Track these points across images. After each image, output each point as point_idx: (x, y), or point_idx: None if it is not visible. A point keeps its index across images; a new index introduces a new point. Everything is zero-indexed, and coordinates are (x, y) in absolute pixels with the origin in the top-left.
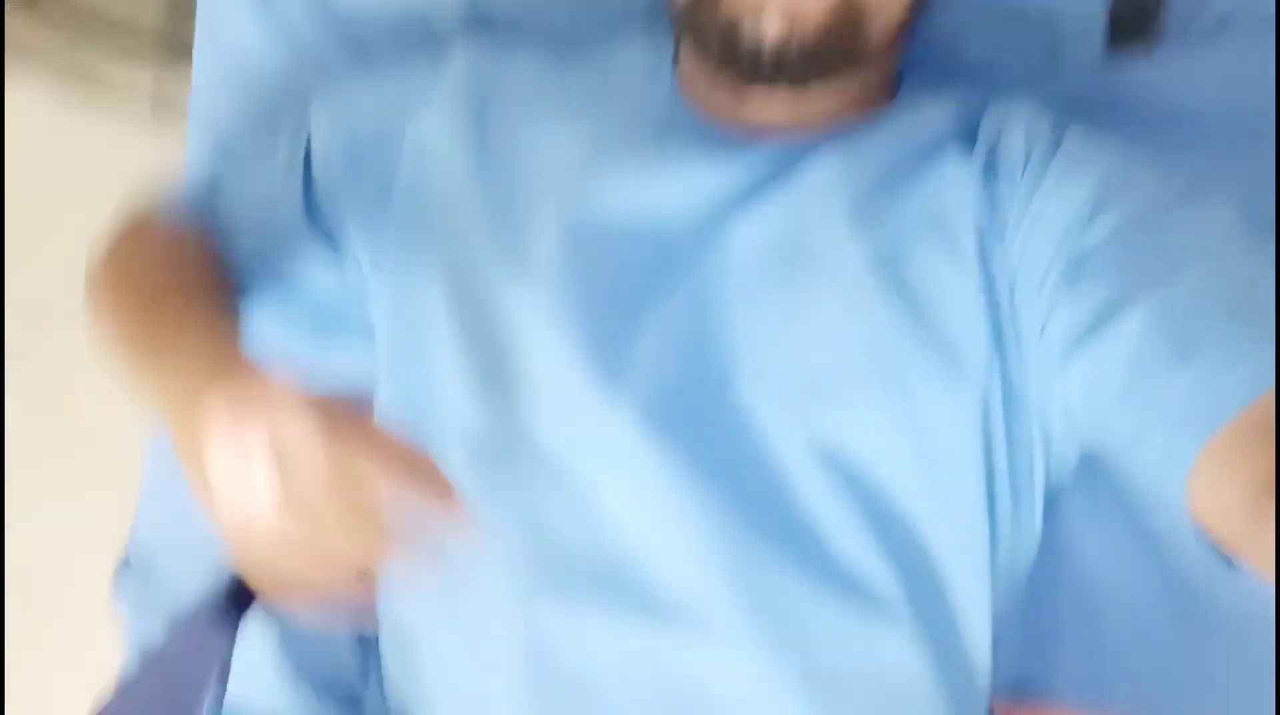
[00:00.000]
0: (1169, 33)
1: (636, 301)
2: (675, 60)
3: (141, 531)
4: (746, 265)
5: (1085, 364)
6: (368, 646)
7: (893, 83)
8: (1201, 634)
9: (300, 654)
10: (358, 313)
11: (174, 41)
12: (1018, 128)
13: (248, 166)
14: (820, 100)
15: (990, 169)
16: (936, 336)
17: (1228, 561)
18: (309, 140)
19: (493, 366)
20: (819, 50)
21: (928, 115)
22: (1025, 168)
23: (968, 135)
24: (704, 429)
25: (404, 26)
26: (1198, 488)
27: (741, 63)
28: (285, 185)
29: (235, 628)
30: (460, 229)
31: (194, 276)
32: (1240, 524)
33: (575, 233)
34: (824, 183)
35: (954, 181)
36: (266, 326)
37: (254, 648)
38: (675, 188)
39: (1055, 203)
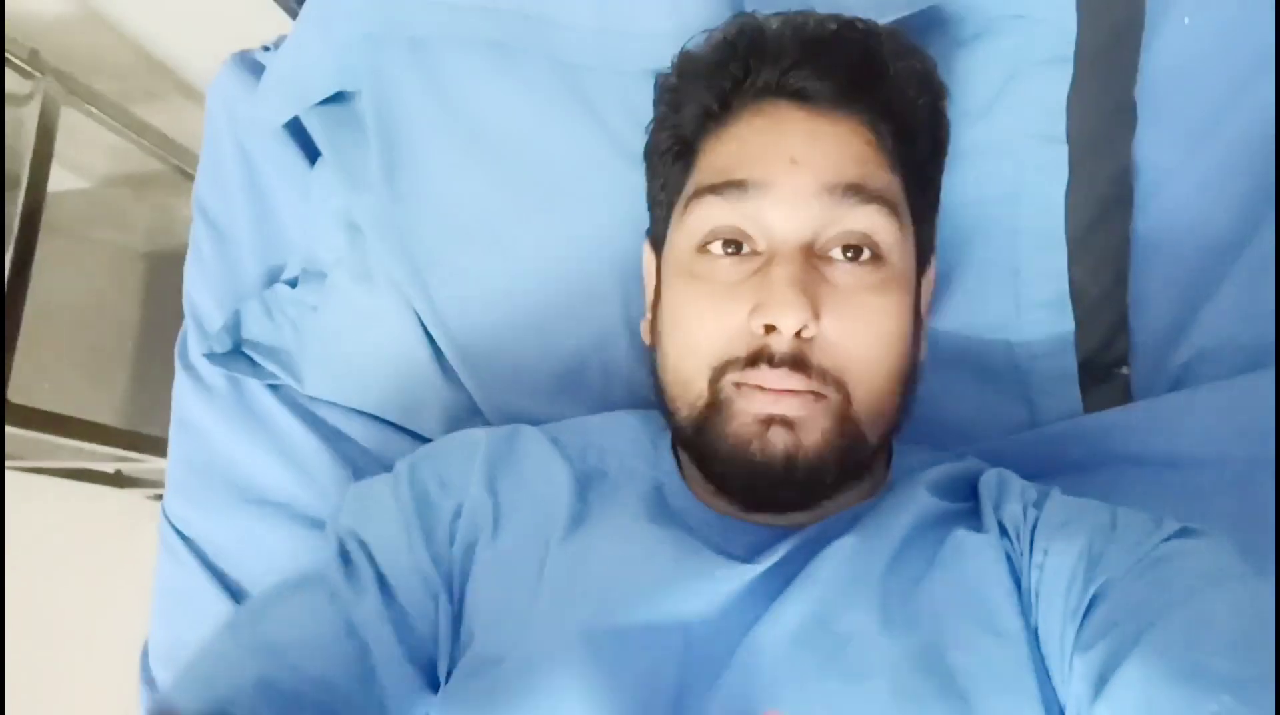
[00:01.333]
0: (1143, 381)
1: (669, 703)
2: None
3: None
4: (780, 660)
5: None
6: None
7: (888, 457)
8: None
9: None
10: None
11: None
12: (1013, 492)
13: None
14: (830, 504)
15: (1004, 535)
16: None
17: None
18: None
19: None
20: (826, 461)
21: (922, 488)
22: (1025, 534)
23: (965, 500)
24: None
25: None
26: None
27: (754, 483)
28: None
29: None
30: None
31: None
32: None
33: (595, 638)
34: (846, 572)
35: (977, 552)
36: None
37: None
38: (697, 588)
39: (1052, 567)
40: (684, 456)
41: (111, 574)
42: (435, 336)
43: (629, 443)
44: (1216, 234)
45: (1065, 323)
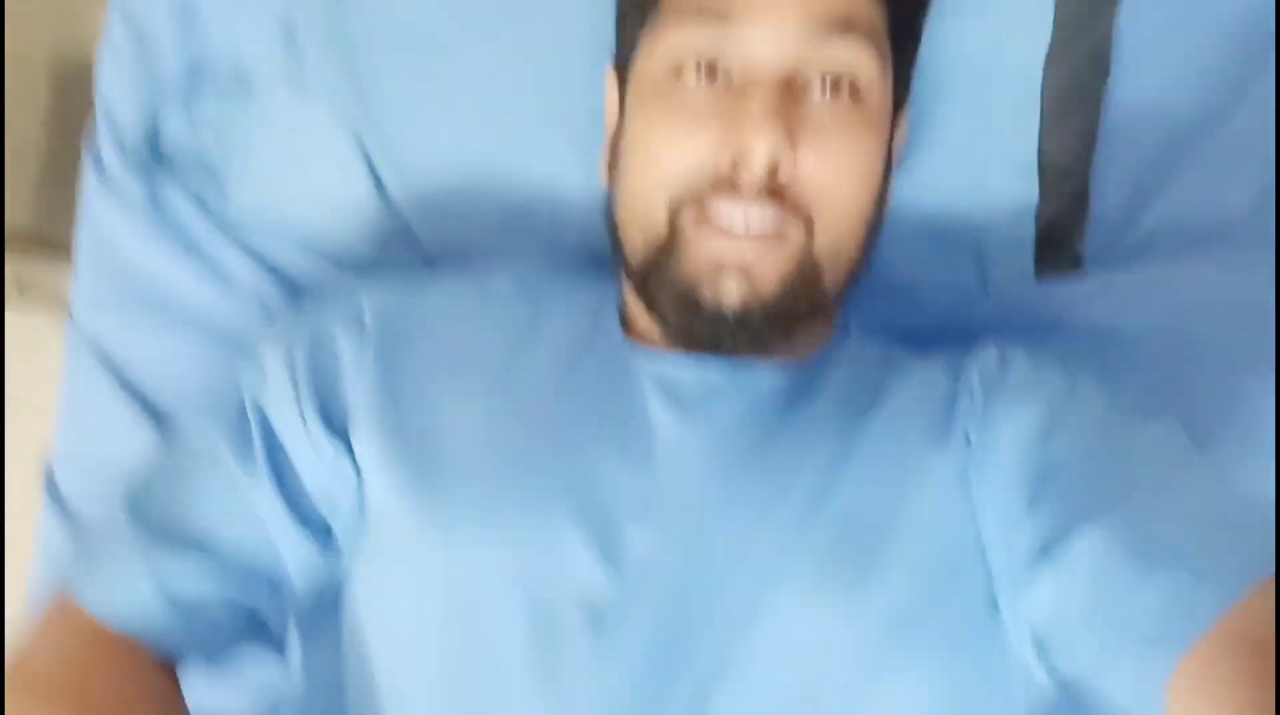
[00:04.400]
0: (1095, 255)
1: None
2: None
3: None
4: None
5: (1046, 587)
6: None
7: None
8: None
9: None
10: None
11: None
12: (974, 364)
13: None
14: (781, 350)
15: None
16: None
17: None
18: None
19: None
20: (780, 309)
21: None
22: (981, 398)
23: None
24: None
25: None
26: (1176, 711)
27: (702, 329)
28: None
29: None
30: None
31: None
32: None
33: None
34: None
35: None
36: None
37: None
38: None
39: (1008, 427)
40: (632, 310)
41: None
42: (373, 157)
43: (570, 296)
44: (1185, 117)
45: (1029, 192)
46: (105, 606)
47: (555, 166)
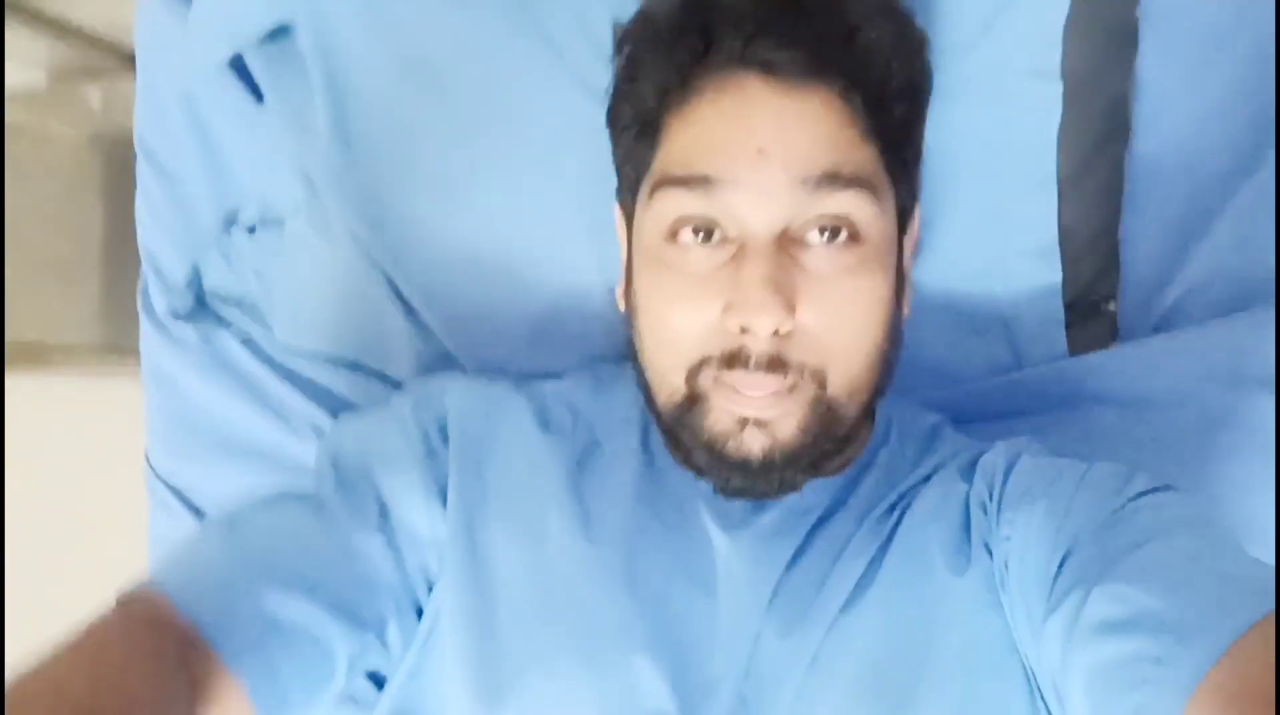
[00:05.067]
0: (1130, 321)
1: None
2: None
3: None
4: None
5: (1077, 673)
6: None
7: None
8: None
9: None
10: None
11: None
12: (986, 470)
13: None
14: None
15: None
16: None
17: None
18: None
19: None
20: (803, 453)
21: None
22: (993, 510)
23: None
24: None
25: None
26: None
27: (732, 477)
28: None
29: None
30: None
31: None
32: None
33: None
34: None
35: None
36: None
37: None
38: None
39: (1018, 539)
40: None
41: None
42: (401, 289)
43: (620, 414)
44: (1215, 164)
45: (1053, 272)
46: (182, 586)
47: (574, 280)
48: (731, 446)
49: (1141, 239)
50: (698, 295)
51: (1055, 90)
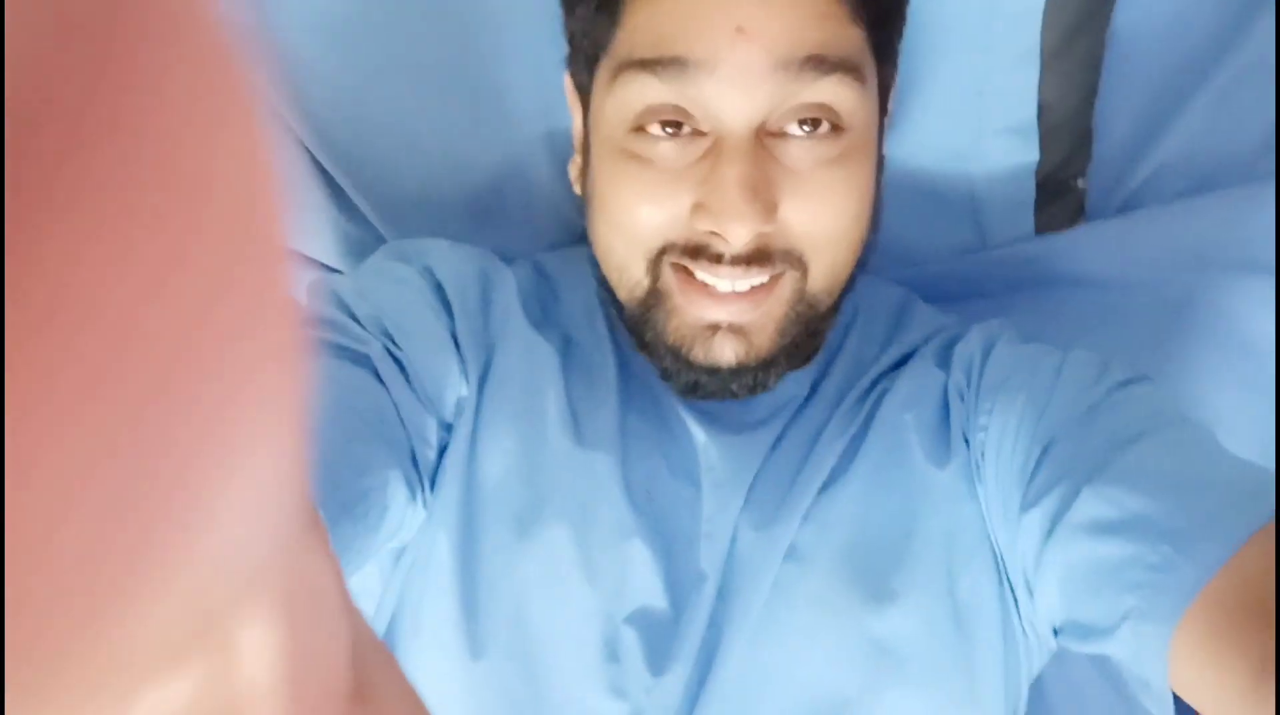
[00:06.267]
0: (1097, 200)
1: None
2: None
3: None
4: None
5: (1053, 571)
6: None
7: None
8: None
9: None
10: None
11: None
12: (962, 358)
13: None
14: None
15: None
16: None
17: None
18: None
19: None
20: (779, 356)
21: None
22: (971, 398)
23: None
24: None
25: None
26: (1180, 671)
27: (700, 382)
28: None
29: None
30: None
31: None
32: (1238, 710)
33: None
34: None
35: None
36: None
37: None
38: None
39: (996, 427)
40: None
41: None
42: (321, 160)
43: (582, 306)
44: (1195, 39)
45: (1028, 152)
46: None
47: (517, 152)
48: (699, 351)
49: (1116, 116)
50: (665, 190)
51: None
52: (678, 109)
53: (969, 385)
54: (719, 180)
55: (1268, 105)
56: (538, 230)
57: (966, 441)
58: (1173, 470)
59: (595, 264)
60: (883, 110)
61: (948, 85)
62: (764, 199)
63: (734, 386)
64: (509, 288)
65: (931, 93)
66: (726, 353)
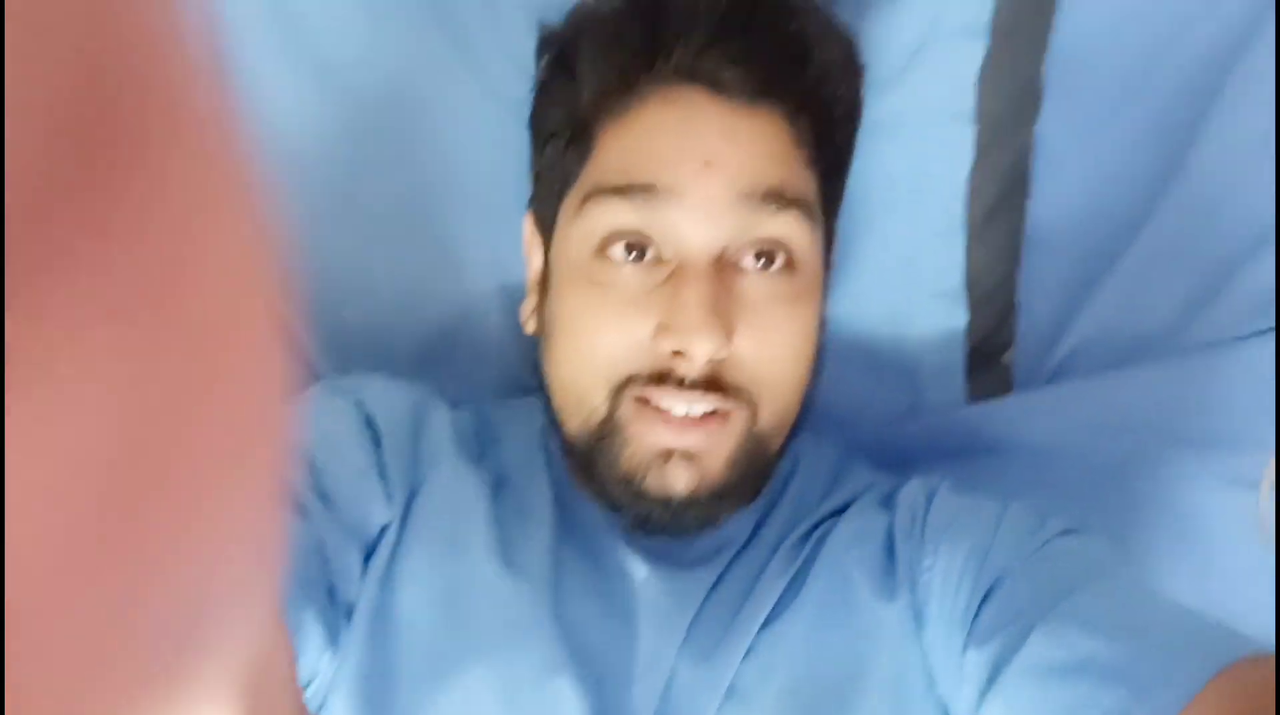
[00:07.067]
0: (1025, 373)
1: None
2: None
3: None
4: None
5: (997, 710)
6: None
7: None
8: None
9: None
10: None
11: None
12: (905, 504)
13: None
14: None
15: (894, 546)
16: None
17: None
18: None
19: None
20: (729, 488)
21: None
22: (916, 539)
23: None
24: None
25: None
26: None
27: (650, 514)
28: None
29: None
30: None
31: None
32: None
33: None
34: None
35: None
36: None
37: None
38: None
39: (941, 568)
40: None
41: None
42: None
43: (523, 447)
44: (1109, 222)
45: (957, 316)
46: None
47: (468, 301)
48: (652, 480)
49: (1038, 291)
50: (628, 314)
51: (968, 133)
52: (641, 234)
53: (914, 525)
54: (681, 301)
55: (1183, 277)
56: (484, 380)
57: (912, 582)
58: (1124, 615)
59: (545, 404)
60: (826, 264)
61: (881, 250)
62: (724, 319)
63: (684, 520)
64: (442, 422)
65: (867, 256)
66: (679, 480)
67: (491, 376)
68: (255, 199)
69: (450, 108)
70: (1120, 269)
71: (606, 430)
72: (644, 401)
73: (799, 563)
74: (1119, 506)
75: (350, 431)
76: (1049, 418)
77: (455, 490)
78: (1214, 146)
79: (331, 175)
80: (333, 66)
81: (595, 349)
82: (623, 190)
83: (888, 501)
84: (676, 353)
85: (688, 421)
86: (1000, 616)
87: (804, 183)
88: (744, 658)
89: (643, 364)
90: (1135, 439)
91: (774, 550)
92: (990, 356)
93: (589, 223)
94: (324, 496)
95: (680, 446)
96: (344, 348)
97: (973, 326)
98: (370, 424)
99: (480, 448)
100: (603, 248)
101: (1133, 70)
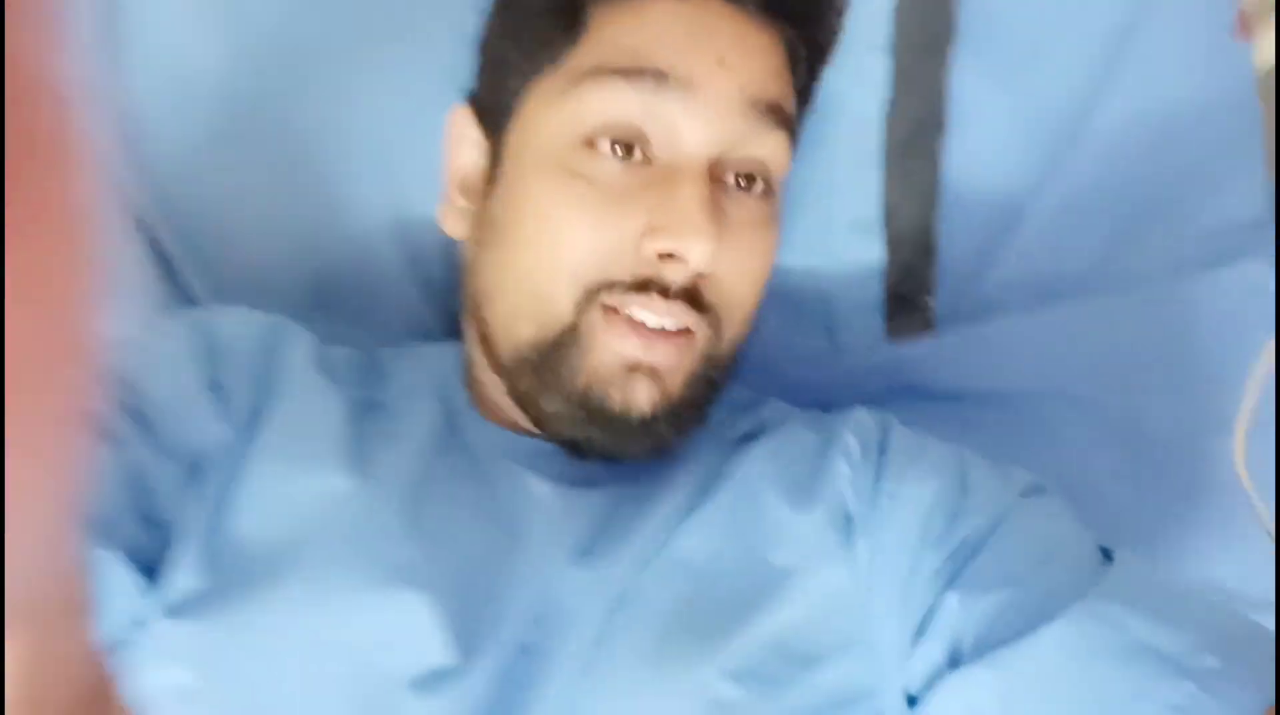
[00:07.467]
0: (946, 313)
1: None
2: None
3: None
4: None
5: (983, 680)
6: None
7: None
8: None
9: None
10: None
11: None
12: (847, 428)
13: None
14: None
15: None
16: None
17: None
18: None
19: None
20: (684, 409)
21: (797, 437)
22: (866, 459)
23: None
24: None
25: None
26: None
27: (603, 435)
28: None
29: None
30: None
31: None
32: None
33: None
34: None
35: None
36: None
37: None
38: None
39: (911, 497)
40: (485, 383)
41: None
42: (160, 234)
43: (412, 379)
44: (1021, 172)
45: (874, 250)
46: None
47: (361, 241)
48: (614, 395)
49: (957, 238)
50: (612, 212)
51: (883, 64)
52: (636, 129)
53: (867, 451)
54: (678, 201)
55: (1097, 226)
56: (377, 324)
57: (848, 511)
58: (1164, 601)
59: (475, 311)
60: None
61: (796, 177)
62: (719, 225)
63: (638, 443)
64: (304, 347)
65: (786, 185)
66: (642, 396)
67: (390, 320)
68: (98, 187)
69: (345, 40)
70: (1036, 216)
71: (567, 338)
72: (613, 310)
73: (707, 475)
74: (1029, 450)
75: (182, 353)
76: (968, 360)
77: (309, 410)
78: (1126, 100)
79: (226, 95)
80: None
81: (568, 247)
82: (629, 73)
83: (817, 423)
84: (666, 256)
85: (659, 335)
86: (987, 578)
87: (791, 103)
88: (643, 568)
89: (623, 268)
90: (1050, 380)
91: (684, 465)
92: (910, 298)
93: (580, 105)
94: (141, 419)
95: (648, 361)
96: (232, 288)
97: (891, 266)
98: (212, 347)
99: (358, 377)
100: (589, 138)
101: (1042, 24)
